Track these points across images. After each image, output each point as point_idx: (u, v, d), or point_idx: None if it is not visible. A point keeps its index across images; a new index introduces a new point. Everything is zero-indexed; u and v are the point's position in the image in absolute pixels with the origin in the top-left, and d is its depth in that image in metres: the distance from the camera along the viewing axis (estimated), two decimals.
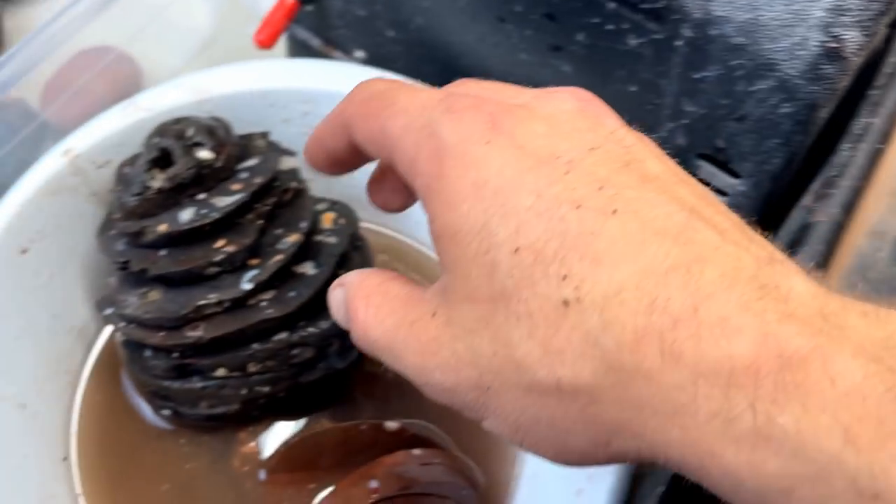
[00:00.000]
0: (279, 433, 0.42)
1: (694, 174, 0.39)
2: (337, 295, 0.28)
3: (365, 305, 0.26)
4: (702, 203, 0.22)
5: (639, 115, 0.39)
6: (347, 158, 0.29)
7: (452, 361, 0.23)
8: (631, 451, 0.21)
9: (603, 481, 0.35)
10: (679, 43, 0.35)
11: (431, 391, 0.24)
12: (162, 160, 0.38)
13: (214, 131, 0.38)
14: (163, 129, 0.38)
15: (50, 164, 0.39)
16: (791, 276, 0.20)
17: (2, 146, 0.48)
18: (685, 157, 0.39)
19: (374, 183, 0.32)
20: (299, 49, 0.50)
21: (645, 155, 0.23)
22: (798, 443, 0.18)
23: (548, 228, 0.21)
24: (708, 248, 0.20)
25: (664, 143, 0.39)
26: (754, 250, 0.21)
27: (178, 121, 0.39)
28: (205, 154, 0.37)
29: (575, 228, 0.21)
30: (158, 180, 0.37)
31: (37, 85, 0.52)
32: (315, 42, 0.49)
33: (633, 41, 0.36)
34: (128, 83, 0.57)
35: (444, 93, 0.25)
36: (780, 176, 0.36)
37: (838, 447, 0.17)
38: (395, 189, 0.31)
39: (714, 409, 0.19)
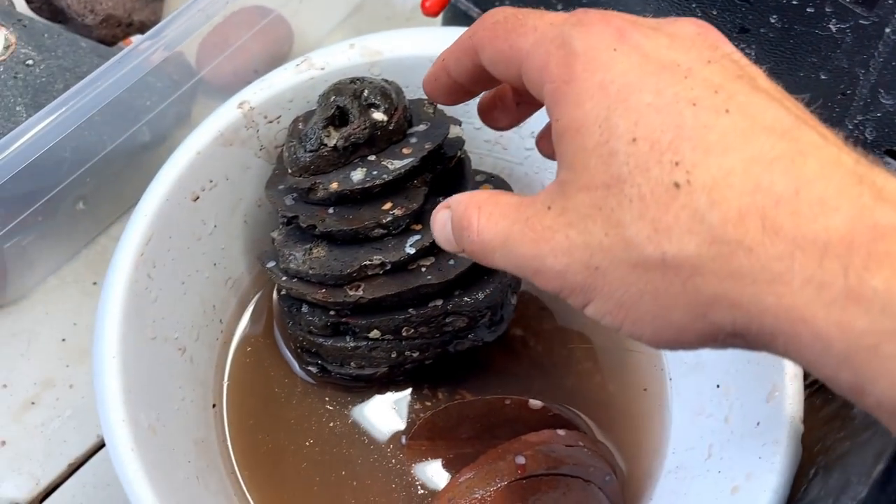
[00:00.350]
0: (422, 400, 0.42)
1: None
2: (442, 216, 0.30)
3: (478, 213, 0.28)
4: (807, 115, 0.24)
5: (826, 105, 0.37)
6: (468, 83, 0.33)
7: (566, 245, 0.25)
8: (727, 322, 0.22)
9: (764, 480, 0.34)
10: (889, 30, 0.33)
11: (542, 278, 0.26)
12: (337, 118, 0.38)
13: (388, 94, 0.38)
14: (340, 88, 0.38)
15: (225, 115, 0.39)
16: (886, 176, 0.22)
17: (164, 99, 0.50)
18: (871, 153, 0.37)
19: (485, 105, 0.36)
20: (459, 19, 0.50)
21: (756, 73, 0.25)
22: (887, 300, 0.19)
23: (665, 122, 0.23)
24: (811, 146, 0.22)
25: (849, 137, 0.38)
26: (854, 154, 0.23)
27: (353, 80, 0.39)
28: (379, 115, 0.37)
29: (690, 122, 0.23)
30: (333, 138, 0.37)
31: (196, 42, 0.53)
32: (475, 12, 0.49)
33: (833, 26, 0.35)
34: (281, 44, 0.58)
35: (572, 13, 0.27)
36: None
37: None
38: (504, 109, 0.35)
39: (808, 276, 0.20)
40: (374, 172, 0.37)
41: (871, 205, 0.20)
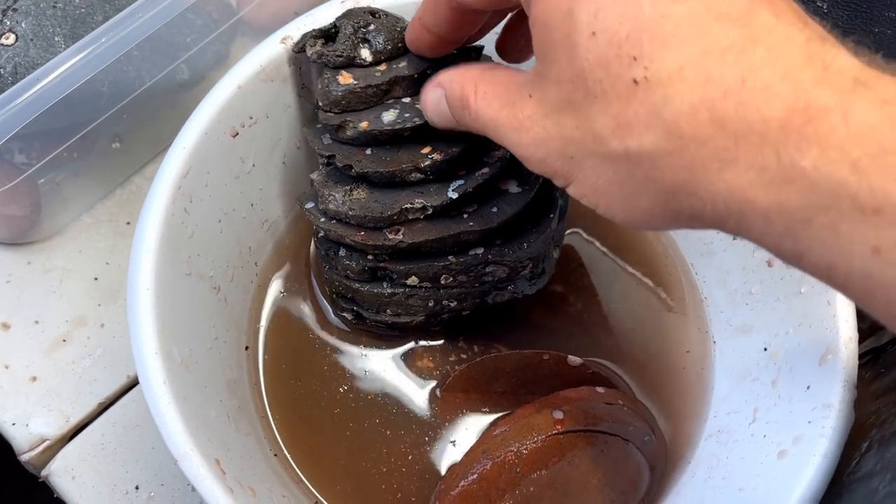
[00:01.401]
0: (457, 352, 0.41)
1: None
2: (434, 95, 0.32)
3: (474, 93, 0.29)
4: None
5: None
6: (449, 31, 0.33)
7: (543, 135, 0.27)
8: (685, 207, 0.24)
9: (813, 445, 0.32)
10: None
11: (528, 163, 0.28)
12: (327, 34, 0.38)
13: (392, 39, 0.37)
14: (352, 13, 0.37)
15: (268, 50, 0.38)
16: (836, 52, 0.22)
17: (204, 36, 0.49)
18: None
19: (501, 44, 0.37)
20: None
21: None
22: (815, 178, 0.21)
23: (623, 13, 0.23)
24: (763, 30, 0.23)
25: None
26: (807, 31, 0.23)
27: (371, 12, 0.37)
28: (364, 52, 0.37)
29: (647, 12, 0.23)
30: (313, 47, 0.37)
31: None
32: None
33: None
34: None
35: None
36: None
37: (845, 175, 0.20)
38: (514, 44, 0.36)
39: (750, 163, 0.22)
40: (407, 115, 0.36)
41: (810, 87, 0.21)
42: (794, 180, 0.21)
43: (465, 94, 0.30)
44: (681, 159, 0.23)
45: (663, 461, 0.38)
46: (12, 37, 0.43)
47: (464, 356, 0.41)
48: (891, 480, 0.28)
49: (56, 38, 0.43)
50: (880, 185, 0.20)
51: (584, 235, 0.45)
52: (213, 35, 0.49)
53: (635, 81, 0.23)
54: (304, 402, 0.39)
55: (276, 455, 0.37)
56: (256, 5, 0.52)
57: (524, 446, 0.36)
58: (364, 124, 0.36)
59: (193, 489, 0.42)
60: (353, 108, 0.36)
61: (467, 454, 0.36)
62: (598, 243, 0.45)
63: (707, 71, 0.22)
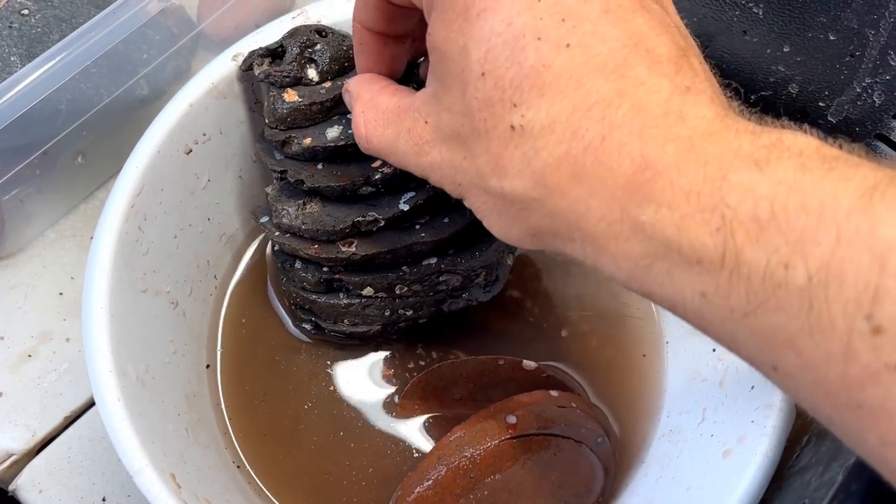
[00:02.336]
0: (415, 359, 0.42)
1: (885, 136, 0.37)
2: (346, 98, 0.34)
3: (363, 120, 0.31)
4: (652, 32, 0.25)
5: (833, 67, 0.37)
6: (385, 26, 0.33)
7: (438, 160, 0.28)
8: (549, 243, 0.27)
9: (756, 444, 0.33)
10: None
11: (430, 181, 0.30)
12: (274, 54, 0.38)
13: (339, 59, 0.38)
14: (298, 31, 0.38)
15: (219, 67, 0.39)
16: (699, 104, 0.24)
17: (162, 52, 0.49)
18: (878, 117, 0.36)
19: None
20: None
21: None
22: (651, 233, 0.23)
23: (510, 57, 0.25)
24: (633, 83, 0.24)
25: (857, 101, 0.37)
26: (678, 81, 0.24)
27: (319, 31, 0.38)
28: (311, 72, 0.37)
29: (532, 59, 0.24)
30: (261, 66, 0.38)
31: None
32: None
33: None
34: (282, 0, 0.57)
35: None
36: None
37: (673, 231, 0.22)
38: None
39: (601, 216, 0.24)
40: (350, 131, 0.37)
41: (657, 146, 0.23)
42: (635, 233, 0.23)
43: (356, 119, 0.31)
44: (544, 206, 0.25)
45: (615, 463, 0.39)
46: None
47: (422, 363, 0.42)
48: (822, 472, 0.29)
49: (12, 59, 0.44)
50: (698, 239, 0.22)
51: None
52: (172, 50, 0.49)
53: (512, 128, 0.25)
54: (264, 413, 0.40)
55: (238, 466, 0.38)
56: (216, 19, 0.53)
57: (478, 451, 0.36)
58: (307, 140, 0.37)
59: None
60: (299, 125, 0.37)
61: (423, 461, 0.37)
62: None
63: (574, 126, 0.24)
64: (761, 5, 0.37)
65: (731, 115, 0.24)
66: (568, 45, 0.24)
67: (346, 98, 0.34)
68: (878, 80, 0.35)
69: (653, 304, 0.43)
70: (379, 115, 0.31)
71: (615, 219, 0.24)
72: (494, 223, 0.28)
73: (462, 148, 0.27)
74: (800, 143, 0.22)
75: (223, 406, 0.39)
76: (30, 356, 0.47)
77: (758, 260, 0.21)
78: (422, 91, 0.29)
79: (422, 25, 0.32)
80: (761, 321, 0.21)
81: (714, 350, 0.39)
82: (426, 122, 0.28)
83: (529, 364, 0.40)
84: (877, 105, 0.36)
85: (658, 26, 0.25)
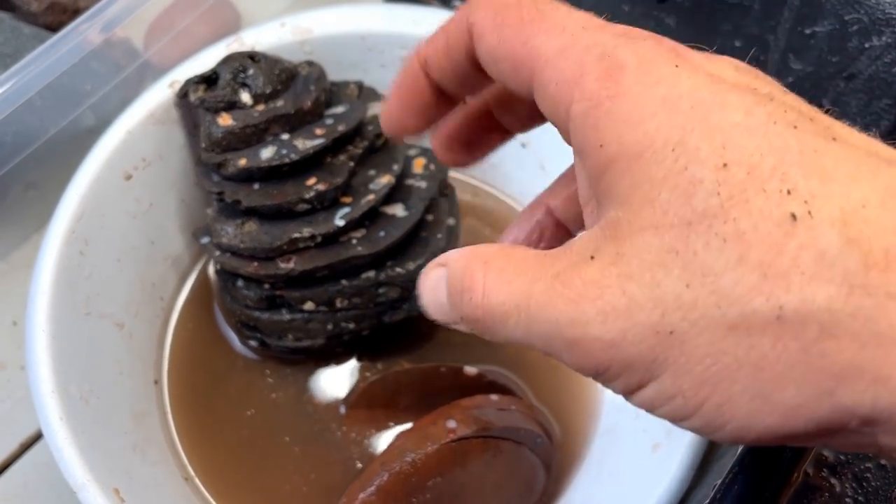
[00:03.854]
0: (360, 370, 0.43)
1: None
2: (434, 276, 0.24)
3: (484, 270, 0.22)
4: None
5: None
6: (452, 83, 0.26)
7: (622, 304, 0.19)
8: (864, 403, 0.17)
9: (681, 437, 0.35)
10: None
11: (580, 352, 0.20)
12: (209, 79, 0.40)
13: (272, 82, 0.39)
14: (232, 58, 0.39)
15: (156, 95, 0.40)
16: None
17: (107, 83, 0.50)
18: None
19: (452, 135, 0.29)
20: None
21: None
22: None
23: (762, 144, 0.19)
24: None
25: None
26: None
27: (252, 56, 0.40)
28: (245, 96, 0.39)
29: (795, 146, 0.19)
30: (196, 93, 0.39)
31: (141, 26, 0.53)
32: None
33: None
34: (227, 27, 0.58)
35: (611, 23, 0.23)
36: (888, 138, 0.35)
37: None
38: (474, 139, 0.28)
39: None
40: (283, 151, 0.38)
41: None
42: None
43: (469, 273, 0.22)
44: (871, 325, 0.17)
45: (556, 461, 0.40)
46: None
47: (368, 374, 0.43)
48: (741, 454, 0.30)
49: None
50: None
51: None
52: (118, 80, 0.50)
53: (793, 217, 0.18)
54: (212, 428, 0.41)
55: (186, 479, 0.39)
56: (162, 48, 0.54)
57: (419, 456, 0.37)
58: (242, 161, 0.38)
59: None
60: (234, 147, 0.38)
61: (367, 468, 0.38)
62: None
63: None
64: (672, 16, 0.39)
65: None
66: (834, 139, 0.19)
67: (435, 274, 0.24)
68: (783, 82, 0.37)
69: None
70: (513, 263, 0.22)
71: None
72: (741, 392, 0.18)
73: (683, 272, 0.19)
74: None
75: (171, 421, 0.40)
76: None
77: None
78: (583, 232, 0.22)
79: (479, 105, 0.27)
80: None
81: None
82: (591, 258, 0.20)
83: (470, 370, 0.41)
84: None
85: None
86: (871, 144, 0.19)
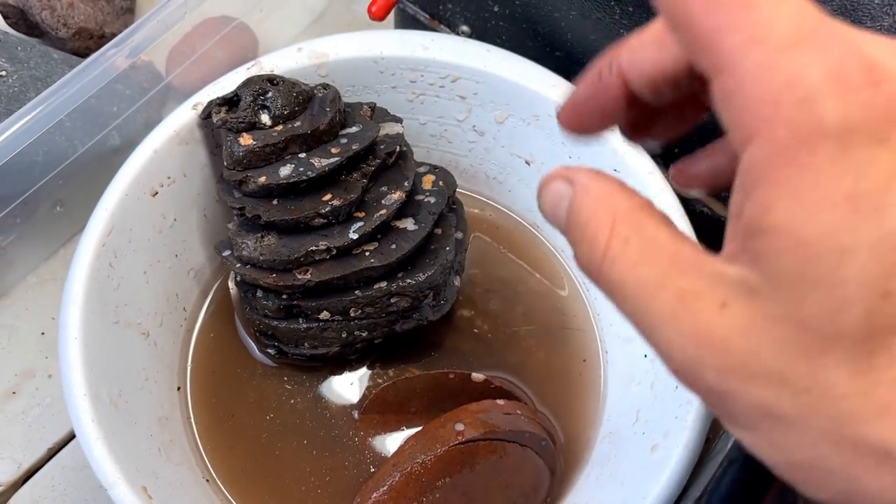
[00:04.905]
0: (373, 377, 0.45)
1: None
2: (558, 189, 0.22)
3: (610, 234, 0.20)
4: None
5: None
6: (647, 84, 0.23)
7: (744, 373, 0.18)
8: None
9: (678, 437, 0.37)
10: None
11: (685, 377, 0.19)
12: (230, 102, 0.42)
13: (290, 105, 0.41)
14: (252, 80, 0.42)
15: (181, 116, 0.42)
16: None
17: (132, 104, 0.53)
18: None
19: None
20: (407, 23, 0.53)
21: None
22: None
23: None
24: None
25: None
26: None
27: (271, 80, 0.42)
28: (264, 118, 0.41)
29: None
30: (218, 114, 0.41)
31: (164, 50, 0.56)
32: (422, 16, 0.52)
33: None
34: (245, 51, 0.61)
35: (829, 38, 0.18)
36: None
37: None
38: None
39: None
40: (301, 169, 0.40)
41: None
42: None
43: (595, 226, 0.21)
44: None
45: (560, 465, 0.42)
46: None
47: (380, 381, 0.45)
48: (731, 448, 0.32)
49: None
50: None
51: (488, 266, 0.49)
52: (142, 102, 0.53)
53: None
54: (233, 432, 0.43)
55: (207, 481, 0.41)
56: (183, 72, 0.57)
57: (429, 458, 0.39)
58: (262, 179, 0.40)
59: None
60: (254, 166, 0.41)
61: (380, 469, 0.40)
62: (500, 272, 0.49)
63: None
64: None
65: None
66: None
67: (557, 188, 0.22)
68: None
69: (592, 318, 0.47)
70: (643, 241, 0.20)
71: None
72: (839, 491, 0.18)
73: (805, 372, 0.18)
74: None
75: (193, 425, 0.42)
76: (14, 393, 0.49)
77: None
78: (720, 257, 0.19)
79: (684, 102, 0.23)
80: None
81: (646, 355, 0.42)
82: (721, 307, 0.18)
83: (478, 376, 0.43)
84: None
85: None
86: None
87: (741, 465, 0.29)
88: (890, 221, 0.17)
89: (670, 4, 0.19)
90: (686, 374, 0.19)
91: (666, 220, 0.20)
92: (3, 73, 0.49)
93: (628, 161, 0.42)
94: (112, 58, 0.48)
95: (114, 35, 0.61)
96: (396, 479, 0.39)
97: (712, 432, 0.38)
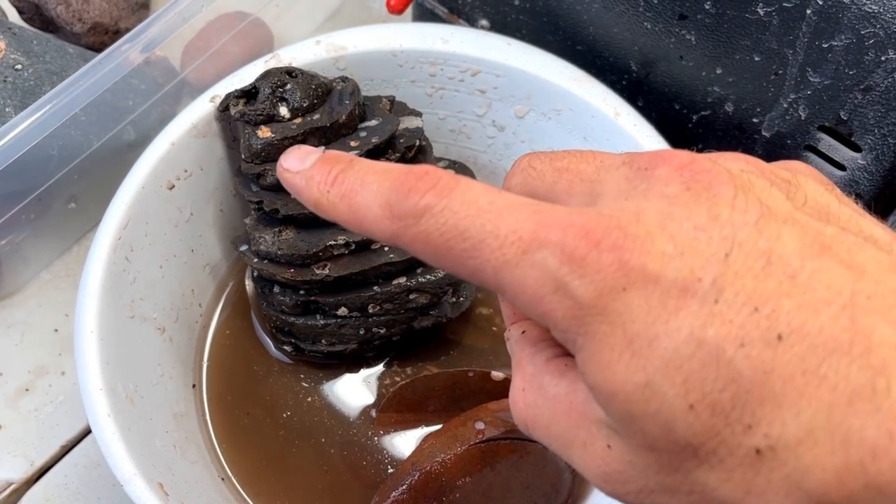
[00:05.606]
0: (391, 375, 0.44)
1: (814, 147, 0.40)
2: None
3: (524, 402, 0.24)
4: (860, 264, 0.20)
5: (761, 85, 0.40)
6: None
7: (643, 495, 0.22)
8: None
9: None
10: (809, 11, 0.35)
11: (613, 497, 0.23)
12: (249, 94, 0.41)
13: (308, 97, 0.41)
14: (270, 73, 0.41)
15: (199, 108, 0.42)
16: None
17: (147, 99, 0.52)
18: (806, 130, 0.39)
19: None
20: (425, 17, 0.52)
21: (835, 209, 0.22)
22: None
23: (717, 378, 0.20)
24: (889, 350, 0.19)
25: (785, 115, 0.40)
26: None
27: (289, 72, 0.41)
28: (283, 110, 0.40)
29: (746, 372, 0.19)
30: (236, 106, 0.41)
31: (179, 46, 0.55)
32: (441, 11, 0.51)
33: (761, 9, 0.37)
34: (261, 47, 0.60)
35: (545, 218, 0.21)
36: None
37: None
38: None
39: None
40: None
41: None
42: None
43: (514, 394, 0.25)
44: None
45: None
46: None
47: (398, 379, 0.44)
48: None
49: (7, 109, 0.47)
50: None
51: None
52: (157, 97, 0.53)
53: (758, 451, 0.20)
54: (249, 430, 0.42)
55: (223, 479, 0.40)
56: (198, 67, 0.56)
57: (448, 457, 0.39)
58: None
59: None
60: (273, 158, 0.40)
61: (399, 468, 0.39)
62: None
63: (842, 429, 0.19)
64: (693, 32, 0.40)
65: None
66: (779, 337, 0.19)
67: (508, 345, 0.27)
68: (801, 95, 0.38)
69: None
70: (545, 403, 0.23)
71: None
72: None
73: (683, 481, 0.21)
74: None
75: (209, 423, 0.42)
76: (27, 390, 0.49)
77: None
78: (595, 405, 0.22)
79: None
80: None
81: None
82: (608, 448, 0.22)
83: (498, 375, 0.43)
84: (803, 118, 0.39)
85: (845, 242, 0.21)
86: (813, 322, 0.19)
87: None
88: (662, 351, 0.20)
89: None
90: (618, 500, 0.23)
91: (562, 365, 0.24)
92: (19, 66, 0.48)
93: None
94: (126, 52, 0.48)
95: (128, 30, 0.61)
96: (416, 478, 0.38)
97: None
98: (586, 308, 0.21)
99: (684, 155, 0.22)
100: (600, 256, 0.20)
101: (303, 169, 0.26)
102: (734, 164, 0.23)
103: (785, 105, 0.39)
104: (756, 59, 0.39)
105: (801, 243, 0.20)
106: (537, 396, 0.24)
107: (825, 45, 0.36)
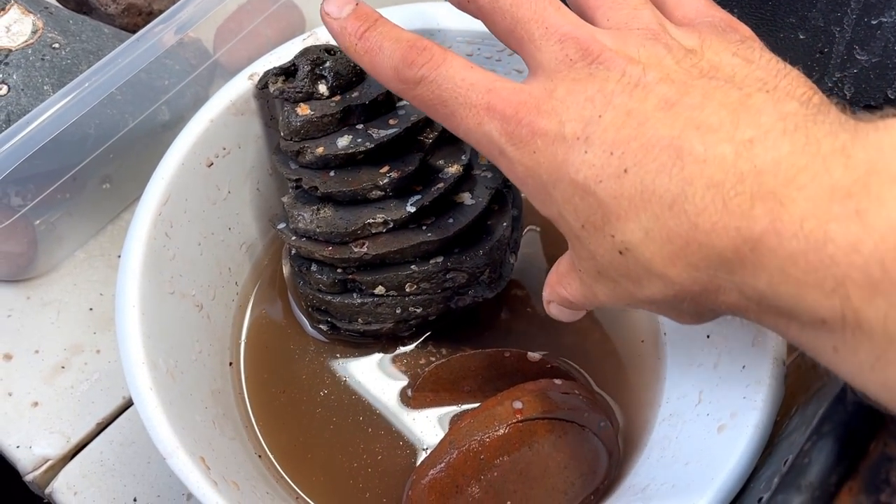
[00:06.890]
0: (426, 355, 0.44)
1: None
2: (554, 309, 0.37)
3: (558, 288, 0.34)
4: (697, 105, 0.27)
5: (805, 64, 0.39)
6: None
7: (600, 291, 0.32)
8: (710, 314, 0.30)
9: (747, 417, 0.35)
10: None
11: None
12: (287, 72, 0.41)
13: (346, 75, 0.41)
14: (309, 50, 0.41)
15: (237, 86, 0.42)
16: (769, 147, 0.25)
17: (181, 80, 0.53)
18: (851, 110, 0.39)
19: None
20: None
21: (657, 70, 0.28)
22: (773, 300, 0.25)
23: (589, 206, 0.28)
24: (696, 166, 0.26)
25: (829, 94, 0.39)
26: (738, 135, 0.25)
27: (328, 50, 0.41)
28: (322, 88, 0.40)
29: (605, 199, 0.28)
30: (276, 83, 0.41)
31: (211, 27, 0.56)
32: None
33: None
34: (293, 29, 0.60)
35: (493, 98, 0.31)
36: None
37: (790, 299, 0.24)
38: None
39: (730, 287, 0.27)
40: (359, 140, 0.40)
41: (744, 214, 0.25)
42: (759, 304, 0.26)
43: (554, 290, 0.35)
44: (682, 295, 0.28)
45: (619, 447, 0.41)
46: (4, 88, 0.47)
47: (433, 359, 0.44)
48: (806, 431, 0.31)
49: (45, 88, 0.47)
50: (816, 302, 0.23)
51: (542, 245, 0.48)
52: (190, 78, 0.53)
53: (620, 252, 0.28)
54: (286, 408, 0.42)
55: (260, 456, 0.40)
56: (230, 49, 0.56)
57: (487, 435, 0.39)
58: (320, 150, 0.39)
59: (188, 498, 0.45)
60: (312, 136, 0.40)
61: (437, 446, 0.39)
62: (555, 250, 0.48)
63: (667, 227, 0.26)
64: (736, 10, 0.40)
65: (811, 135, 0.25)
66: (625, 171, 0.27)
67: (552, 308, 0.37)
68: (846, 73, 0.38)
69: None
70: (562, 283, 0.34)
71: (736, 293, 0.26)
72: (666, 312, 0.32)
73: (606, 280, 0.30)
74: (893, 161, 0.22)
75: (246, 400, 0.42)
76: (63, 367, 0.49)
77: (876, 317, 0.22)
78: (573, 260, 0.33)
79: None
80: (888, 374, 0.22)
81: (708, 336, 0.41)
82: (581, 283, 0.32)
83: (534, 356, 0.42)
84: (848, 98, 0.38)
85: (706, 89, 0.27)
86: (653, 159, 0.27)
87: (826, 445, 0.28)
88: (561, 192, 0.30)
89: None
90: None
91: (568, 268, 0.35)
92: (57, 45, 0.48)
93: None
94: (160, 33, 0.48)
95: (161, 12, 0.61)
96: (454, 456, 0.38)
97: (780, 414, 0.37)
98: (516, 162, 0.30)
99: (596, 46, 0.29)
100: (521, 129, 0.30)
101: (340, 17, 0.34)
102: (644, 40, 0.29)
103: (830, 84, 0.39)
104: (801, 36, 0.38)
105: (659, 99, 0.27)
106: (561, 283, 0.34)
107: (874, 22, 0.35)
